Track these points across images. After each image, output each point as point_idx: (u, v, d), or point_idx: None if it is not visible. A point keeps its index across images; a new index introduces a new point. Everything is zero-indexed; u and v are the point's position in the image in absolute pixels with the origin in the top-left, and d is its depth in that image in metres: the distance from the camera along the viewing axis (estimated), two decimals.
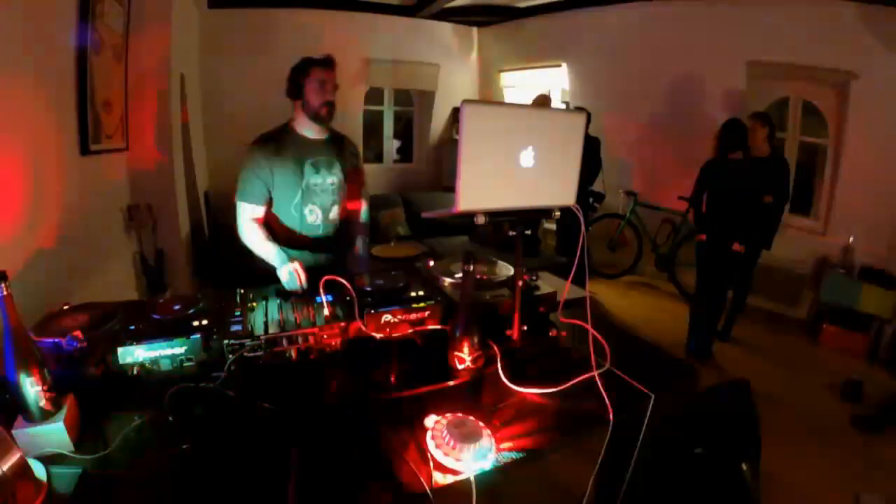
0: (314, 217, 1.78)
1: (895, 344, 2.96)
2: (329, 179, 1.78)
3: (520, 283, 1.31)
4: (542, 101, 4.03)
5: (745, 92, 3.95)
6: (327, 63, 1.71)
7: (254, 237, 1.69)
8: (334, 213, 1.84)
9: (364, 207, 1.99)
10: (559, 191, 1.24)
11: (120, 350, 1.06)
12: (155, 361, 1.09)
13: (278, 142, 1.71)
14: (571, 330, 1.42)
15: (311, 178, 1.74)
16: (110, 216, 2.59)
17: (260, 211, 1.72)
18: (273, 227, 1.76)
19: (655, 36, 4.41)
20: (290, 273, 1.53)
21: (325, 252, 1.84)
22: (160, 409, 0.98)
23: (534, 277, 1.49)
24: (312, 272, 1.52)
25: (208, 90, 4.42)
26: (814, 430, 2.50)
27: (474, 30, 6.09)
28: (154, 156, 2.97)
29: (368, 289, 1.38)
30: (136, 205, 2.81)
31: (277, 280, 1.57)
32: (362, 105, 5.54)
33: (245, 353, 1.12)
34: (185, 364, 1.11)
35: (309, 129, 1.75)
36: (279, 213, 1.75)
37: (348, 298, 1.31)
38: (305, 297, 1.41)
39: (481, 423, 0.96)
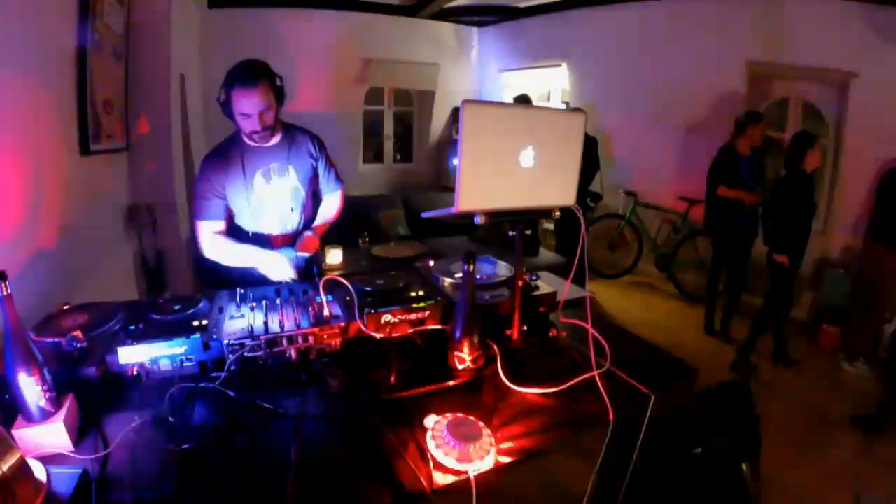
0: (272, 226, 1.73)
1: (895, 344, 2.96)
2: (282, 188, 1.69)
3: (520, 283, 1.31)
4: (523, 101, 4.06)
5: (745, 92, 3.95)
6: (249, 82, 1.46)
7: (221, 250, 1.62)
8: (294, 219, 1.77)
9: (331, 203, 1.87)
10: (559, 191, 1.24)
11: (120, 350, 1.06)
12: (155, 361, 1.09)
13: (226, 155, 1.63)
14: (571, 330, 1.42)
15: (261, 189, 1.66)
16: (110, 216, 2.59)
17: (220, 225, 1.65)
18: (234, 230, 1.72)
19: (655, 36, 4.41)
20: (279, 266, 1.49)
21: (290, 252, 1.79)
22: (160, 409, 0.98)
23: (534, 277, 1.49)
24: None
25: (208, 90, 4.42)
26: (814, 430, 2.50)
27: (474, 30, 6.09)
28: (154, 156, 2.97)
29: (368, 289, 1.38)
30: (136, 205, 2.81)
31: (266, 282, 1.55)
32: (362, 105, 5.55)
33: (245, 353, 1.12)
34: (185, 364, 1.11)
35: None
36: (237, 224, 1.71)
37: (348, 298, 1.31)
38: (305, 297, 1.40)
39: (481, 423, 0.96)
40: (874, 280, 3.04)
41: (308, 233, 1.73)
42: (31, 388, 0.84)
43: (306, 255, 1.68)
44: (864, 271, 3.08)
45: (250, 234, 1.73)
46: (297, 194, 1.74)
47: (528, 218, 1.27)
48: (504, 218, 1.22)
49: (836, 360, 3.21)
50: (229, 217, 1.69)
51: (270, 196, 1.69)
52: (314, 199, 1.85)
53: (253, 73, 1.49)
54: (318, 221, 1.84)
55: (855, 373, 3.07)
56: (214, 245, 1.63)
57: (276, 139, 1.67)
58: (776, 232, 2.88)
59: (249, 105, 1.49)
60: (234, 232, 1.72)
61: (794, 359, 3.12)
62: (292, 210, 1.75)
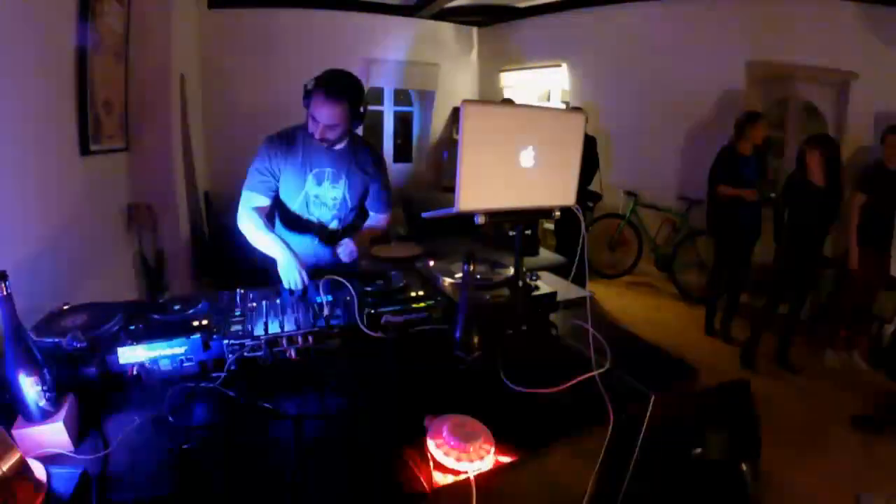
0: (311, 227, 1.75)
1: (895, 344, 2.96)
2: (331, 194, 1.70)
3: (520, 283, 1.31)
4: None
5: (746, 92, 3.95)
6: (333, 95, 1.50)
7: (251, 225, 1.61)
8: (334, 226, 1.77)
9: (377, 220, 1.88)
10: (559, 191, 1.24)
11: (120, 350, 1.06)
12: (155, 361, 1.09)
13: (290, 142, 1.65)
14: (571, 330, 1.42)
15: (311, 188, 1.68)
16: (110, 216, 2.59)
17: (263, 201, 1.65)
18: (278, 215, 1.76)
19: (655, 36, 4.41)
20: (292, 271, 1.48)
21: (324, 253, 1.79)
22: (160, 409, 0.98)
23: (534, 277, 1.49)
24: (309, 271, 1.50)
25: (208, 90, 4.42)
26: (814, 430, 2.50)
27: (474, 30, 6.09)
28: (154, 156, 2.97)
29: (368, 289, 1.38)
30: (136, 205, 2.81)
31: (277, 280, 1.54)
32: None
33: (245, 353, 1.12)
34: (185, 364, 1.11)
35: None
36: (282, 208, 1.74)
37: (348, 298, 1.31)
38: (305, 297, 1.40)
39: (481, 423, 0.96)
40: (861, 280, 3.05)
41: (347, 240, 1.71)
42: (31, 388, 0.84)
43: (344, 259, 1.68)
44: (851, 271, 3.09)
45: (292, 225, 1.76)
46: (342, 204, 1.75)
47: (528, 218, 1.27)
48: (504, 218, 1.22)
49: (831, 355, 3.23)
50: (274, 199, 1.70)
51: (316, 198, 1.70)
52: (359, 213, 1.86)
53: (340, 89, 1.51)
54: (363, 229, 1.85)
55: (843, 363, 3.13)
56: (249, 219, 1.62)
57: (340, 146, 1.68)
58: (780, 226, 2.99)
59: (322, 115, 1.52)
60: (284, 214, 1.75)
61: (794, 364, 3.12)
62: (332, 218, 1.76)
